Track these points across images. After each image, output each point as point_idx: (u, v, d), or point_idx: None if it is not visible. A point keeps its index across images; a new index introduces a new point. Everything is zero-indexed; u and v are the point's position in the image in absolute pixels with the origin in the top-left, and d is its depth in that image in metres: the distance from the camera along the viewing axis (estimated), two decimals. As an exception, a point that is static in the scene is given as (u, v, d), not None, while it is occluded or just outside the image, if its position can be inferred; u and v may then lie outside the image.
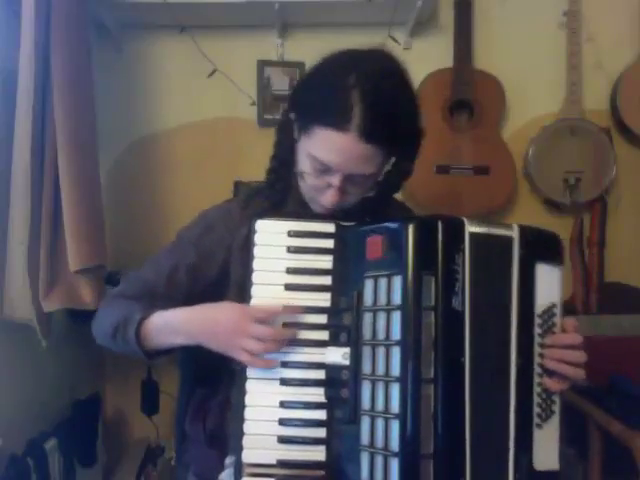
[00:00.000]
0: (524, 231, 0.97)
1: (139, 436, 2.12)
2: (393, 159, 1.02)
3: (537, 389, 0.95)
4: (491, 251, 0.92)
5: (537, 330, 0.96)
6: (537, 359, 0.96)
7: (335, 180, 0.96)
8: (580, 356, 0.95)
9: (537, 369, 0.95)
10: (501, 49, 2.11)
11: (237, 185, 1.92)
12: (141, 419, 1.99)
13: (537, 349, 0.96)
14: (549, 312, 0.98)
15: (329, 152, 0.94)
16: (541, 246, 0.99)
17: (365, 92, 0.92)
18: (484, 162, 2.00)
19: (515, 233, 0.96)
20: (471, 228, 0.90)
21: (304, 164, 1.00)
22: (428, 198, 2.00)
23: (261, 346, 0.90)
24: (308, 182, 1.00)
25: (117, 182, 2.10)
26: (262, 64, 2.07)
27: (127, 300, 1.07)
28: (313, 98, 0.97)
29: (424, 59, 2.08)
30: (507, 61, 2.10)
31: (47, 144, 1.54)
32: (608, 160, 2.02)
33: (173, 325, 0.99)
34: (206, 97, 2.10)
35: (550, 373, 0.95)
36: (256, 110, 2.03)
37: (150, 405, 1.92)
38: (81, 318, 1.76)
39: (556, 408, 0.97)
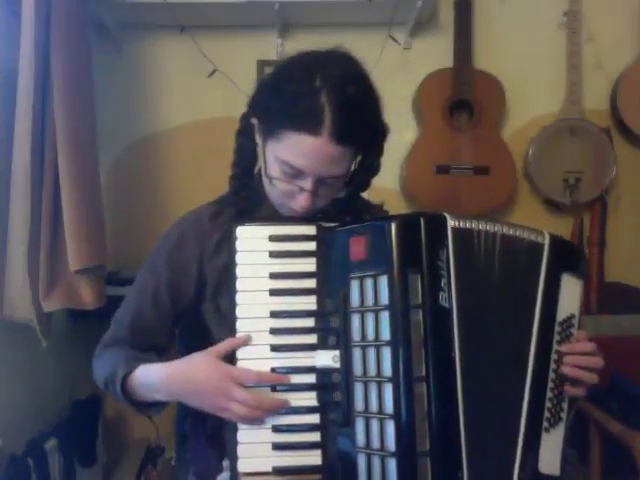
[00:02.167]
0: (554, 240, 0.99)
1: (139, 436, 2.12)
2: (359, 158, 1.02)
3: (549, 394, 0.96)
4: (479, 248, 0.92)
5: (556, 337, 0.97)
6: (552, 365, 0.97)
7: (307, 184, 0.95)
8: (597, 361, 0.97)
9: (551, 375, 0.97)
10: (501, 49, 2.11)
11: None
12: (141, 419, 1.98)
13: (553, 356, 0.97)
14: (568, 322, 1.00)
15: (301, 156, 0.93)
16: (568, 257, 1.01)
17: (332, 93, 0.91)
18: (484, 162, 2.00)
19: (546, 240, 0.98)
20: (453, 223, 0.90)
21: (273, 169, 0.98)
22: (428, 198, 2.00)
23: (246, 411, 0.88)
24: (279, 187, 0.98)
25: (117, 182, 2.10)
26: (262, 64, 2.07)
27: (115, 349, 1.06)
28: (279, 102, 0.95)
29: (424, 59, 2.08)
30: (507, 61, 2.10)
31: (47, 144, 1.54)
32: (608, 160, 2.02)
33: (154, 384, 0.97)
34: (206, 97, 2.10)
35: (564, 379, 0.97)
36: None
37: (150, 405, 1.92)
38: (81, 318, 1.77)
39: (564, 415, 0.98)
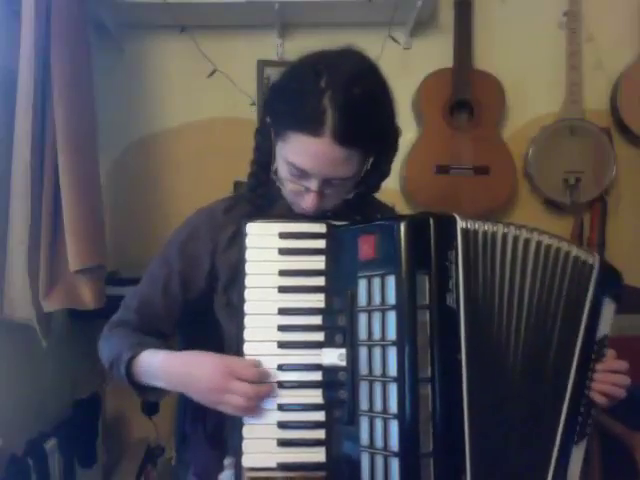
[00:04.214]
0: (602, 262, 1.01)
1: (139, 436, 2.12)
2: (372, 159, 1.02)
3: (581, 409, 0.98)
4: (503, 251, 0.93)
5: (592, 356, 1.00)
6: (587, 382, 0.99)
7: (313, 185, 0.95)
8: (626, 380, 1.00)
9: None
10: (501, 49, 2.11)
11: (237, 185, 1.92)
12: (141, 419, 1.99)
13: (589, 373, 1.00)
14: (602, 342, 1.02)
15: (304, 157, 0.93)
16: (611, 280, 1.04)
17: (336, 95, 0.90)
18: (484, 162, 1.99)
19: (596, 262, 1.01)
20: (463, 224, 0.90)
21: (282, 169, 0.99)
22: (428, 198, 2.00)
23: (243, 400, 0.89)
24: (287, 187, 0.99)
25: (117, 182, 2.10)
26: (262, 64, 2.07)
27: (123, 331, 1.07)
28: (285, 103, 0.95)
29: (424, 59, 2.08)
30: (507, 61, 2.10)
31: (47, 144, 1.54)
32: (608, 160, 2.02)
33: (156, 372, 0.99)
34: (206, 97, 2.09)
35: (594, 395, 1.00)
36: (256, 110, 2.03)
37: (150, 405, 1.92)
38: (81, 318, 1.77)
39: (589, 430, 1.00)
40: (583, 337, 0.98)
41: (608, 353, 1.03)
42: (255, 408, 0.90)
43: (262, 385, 0.90)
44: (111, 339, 1.08)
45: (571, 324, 0.98)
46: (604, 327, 1.03)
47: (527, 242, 0.94)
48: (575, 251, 0.98)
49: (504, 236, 0.92)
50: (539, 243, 0.94)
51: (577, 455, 0.99)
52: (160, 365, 0.98)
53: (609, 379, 0.99)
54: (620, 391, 1.00)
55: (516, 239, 0.93)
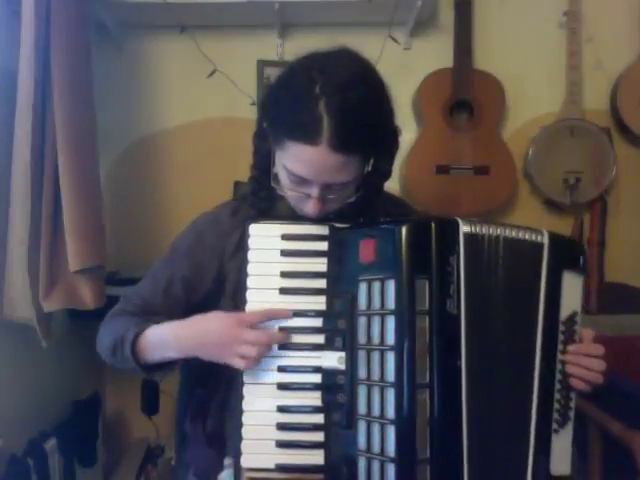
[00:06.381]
0: (554, 238, 0.98)
1: (139, 436, 2.12)
2: (372, 160, 1.01)
3: (556, 395, 0.96)
4: (485, 253, 0.92)
5: (560, 337, 0.97)
6: (558, 365, 0.97)
7: (313, 191, 0.95)
8: (601, 364, 0.97)
9: (558, 375, 0.97)
10: (501, 49, 2.11)
11: (237, 185, 1.92)
12: (141, 419, 1.99)
13: (559, 356, 0.97)
14: (571, 320, 0.99)
15: (302, 165, 0.92)
16: (568, 254, 1.01)
17: (331, 101, 0.89)
18: (484, 162, 1.99)
19: (545, 239, 0.97)
20: (465, 228, 0.89)
21: (282, 175, 0.98)
22: (428, 198, 2.00)
23: (255, 350, 0.90)
24: (288, 193, 0.99)
25: (117, 182, 2.10)
26: (262, 64, 2.07)
27: (125, 316, 1.08)
28: (280, 112, 0.94)
29: (424, 59, 2.08)
30: (507, 61, 2.10)
31: (47, 144, 1.54)
32: (608, 160, 2.02)
33: (165, 340, 1.00)
34: (206, 97, 2.10)
35: (570, 379, 0.98)
36: (256, 110, 2.04)
37: (150, 405, 1.92)
38: (81, 318, 1.77)
39: (572, 414, 0.99)
40: (544, 319, 0.95)
41: (585, 335, 1.00)
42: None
43: (275, 333, 0.92)
44: (114, 322, 1.08)
45: (531, 309, 0.95)
46: (570, 304, 0.99)
47: (497, 239, 0.93)
48: (527, 235, 0.96)
49: (483, 237, 0.91)
50: (505, 238, 0.93)
51: (562, 442, 0.97)
52: (170, 331, 0.99)
53: (581, 362, 0.97)
54: (594, 375, 0.97)
55: (490, 238, 0.92)
